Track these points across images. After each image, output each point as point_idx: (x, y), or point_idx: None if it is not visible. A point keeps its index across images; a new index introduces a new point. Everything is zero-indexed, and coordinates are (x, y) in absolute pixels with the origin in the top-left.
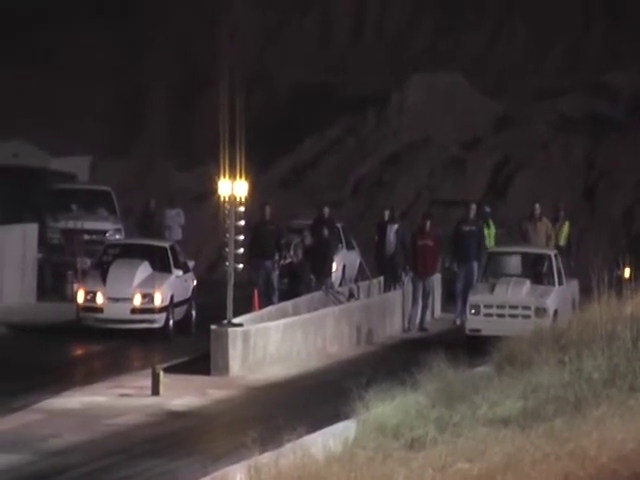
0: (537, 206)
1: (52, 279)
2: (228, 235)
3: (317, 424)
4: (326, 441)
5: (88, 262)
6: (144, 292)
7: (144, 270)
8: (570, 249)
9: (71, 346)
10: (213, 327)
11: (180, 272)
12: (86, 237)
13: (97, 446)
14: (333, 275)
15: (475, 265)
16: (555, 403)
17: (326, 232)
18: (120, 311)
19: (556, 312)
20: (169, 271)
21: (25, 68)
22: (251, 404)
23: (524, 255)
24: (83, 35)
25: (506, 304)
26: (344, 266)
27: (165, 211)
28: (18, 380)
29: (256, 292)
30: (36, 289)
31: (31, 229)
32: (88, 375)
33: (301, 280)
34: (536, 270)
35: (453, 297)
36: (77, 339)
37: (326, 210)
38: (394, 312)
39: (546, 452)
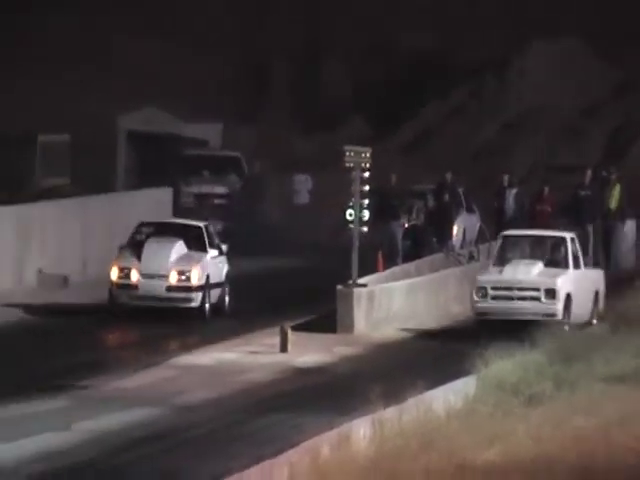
0: None
1: None
2: (353, 200)
3: (438, 381)
4: (447, 397)
5: (219, 225)
6: (180, 269)
7: (180, 248)
8: None
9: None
10: (339, 287)
11: (215, 252)
12: (217, 201)
13: (227, 401)
14: (454, 238)
15: (590, 228)
16: None
17: (447, 197)
18: (155, 288)
19: (569, 296)
20: (205, 250)
21: (155, 38)
22: (375, 361)
23: (539, 239)
24: (211, 5)
25: (514, 285)
26: (464, 229)
27: (294, 176)
28: (154, 336)
29: (380, 254)
30: None
31: (165, 193)
32: (219, 332)
33: (424, 243)
34: (551, 253)
35: None
36: None
37: (448, 175)
38: None
39: None
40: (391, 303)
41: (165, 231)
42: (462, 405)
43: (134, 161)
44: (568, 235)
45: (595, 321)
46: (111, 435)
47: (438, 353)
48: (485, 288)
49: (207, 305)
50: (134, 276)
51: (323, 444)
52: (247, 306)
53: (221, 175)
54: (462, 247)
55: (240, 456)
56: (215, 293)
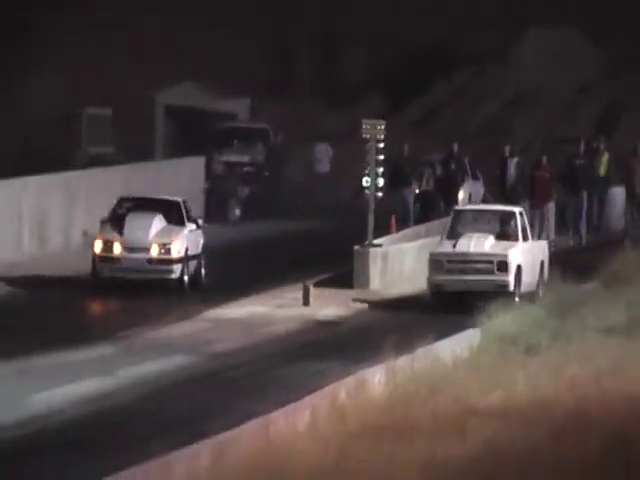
0: None
1: (217, 205)
2: (369, 168)
3: (446, 333)
4: (454, 347)
5: (246, 190)
6: (161, 242)
7: (159, 222)
8: None
9: (230, 263)
10: (356, 247)
11: (193, 226)
12: (245, 169)
13: (256, 349)
14: (460, 202)
15: (584, 194)
16: None
17: (453, 165)
18: (137, 261)
19: (519, 267)
20: (183, 224)
21: (184, 18)
22: (388, 315)
23: (489, 213)
24: None
25: (468, 258)
26: (470, 195)
27: (315, 146)
28: (190, 292)
29: (394, 218)
30: (204, 213)
31: (199, 162)
32: (250, 287)
33: (433, 207)
34: (501, 227)
35: (564, 222)
36: (235, 257)
37: (455, 146)
38: None
39: None
40: (403, 262)
41: (145, 206)
42: (467, 355)
43: (171, 133)
44: (517, 209)
45: (541, 291)
46: (151, 379)
47: (445, 308)
48: (440, 262)
49: (186, 277)
50: (117, 249)
51: (341, 389)
52: (270, 265)
53: (249, 145)
54: None
55: (266, 399)
56: (192, 265)
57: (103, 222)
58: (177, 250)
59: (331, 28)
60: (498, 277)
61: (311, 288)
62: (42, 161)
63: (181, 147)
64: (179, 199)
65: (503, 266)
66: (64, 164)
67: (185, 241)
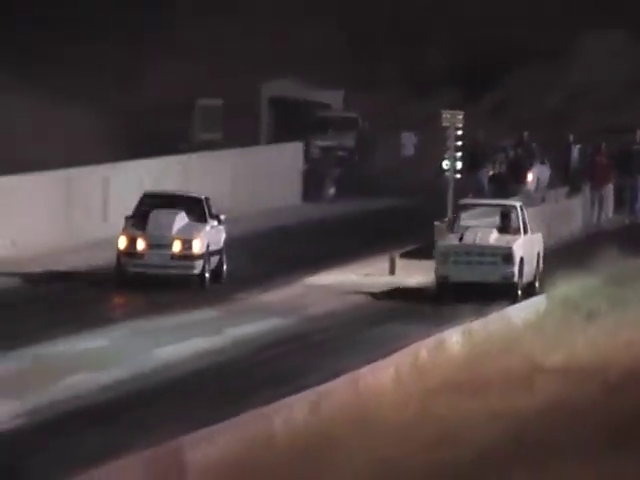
0: None
1: (314, 184)
2: (449, 153)
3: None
4: (523, 312)
5: (339, 171)
6: (183, 239)
7: (182, 219)
8: None
9: (325, 236)
10: (436, 223)
11: (215, 222)
12: (338, 153)
13: (345, 313)
14: (529, 183)
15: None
16: None
17: (520, 150)
18: (160, 257)
19: (522, 259)
20: (205, 221)
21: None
22: None
23: (492, 206)
24: None
25: (474, 251)
26: (538, 177)
27: (401, 133)
28: (283, 261)
29: (470, 196)
30: (301, 193)
31: (298, 147)
32: (341, 257)
33: (504, 187)
34: (503, 221)
35: (622, 203)
36: (329, 231)
37: (525, 134)
38: (576, 214)
39: None
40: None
41: (168, 202)
42: (535, 318)
43: (273, 121)
44: (518, 203)
45: (537, 283)
46: (252, 338)
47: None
48: (446, 254)
49: (207, 273)
50: (140, 245)
51: (423, 348)
52: (360, 237)
53: (341, 132)
54: (535, 191)
55: (354, 357)
56: (214, 260)
57: (127, 218)
58: (199, 246)
59: (415, 27)
60: (503, 269)
61: (397, 259)
62: (161, 145)
63: (282, 134)
64: (202, 196)
65: (508, 258)
66: (180, 148)
67: (207, 237)
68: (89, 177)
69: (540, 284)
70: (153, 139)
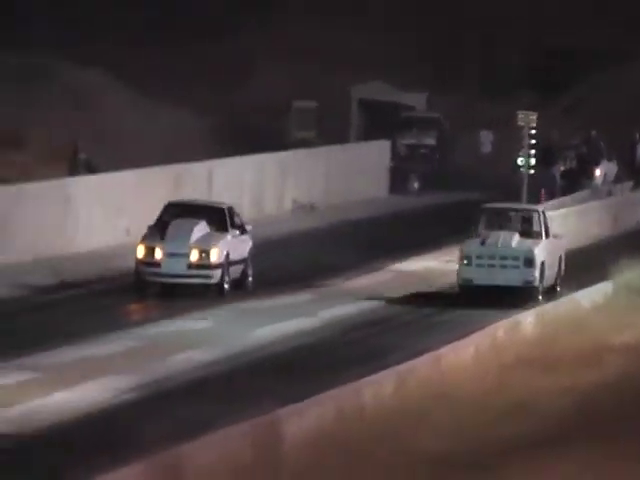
0: None
1: (400, 179)
2: (523, 150)
3: (586, 284)
4: (591, 295)
5: (423, 167)
6: (201, 248)
7: (201, 228)
8: None
9: (411, 226)
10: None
11: (237, 232)
12: (422, 150)
13: (428, 297)
14: (597, 178)
15: None
16: None
17: (589, 149)
18: (177, 266)
19: (543, 263)
20: (226, 230)
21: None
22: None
23: (514, 211)
24: None
25: (497, 255)
26: (605, 173)
27: (480, 131)
28: (371, 249)
29: (542, 191)
30: (388, 187)
31: (385, 145)
32: (426, 245)
33: (575, 181)
34: (525, 225)
35: None
36: (414, 222)
37: (593, 132)
38: None
39: None
40: (551, 225)
41: (190, 212)
42: (602, 301)
43: (362, 121)
44: (540, 208)
45: (559, 287)
46: (343, 320)
47: (584, 264)
48: (470, 257)
49: (226, 282)
50: (158, 254)
51: (500, 329)
52: (442, 227)
53: (425, 131)
54: (603, 185)
55: (435, 337)
56: (237, 269)
57: (149, 227)
58: (217, 255)
59: (492, 30)
60: (524, 272)
61: None
62: (261, 143)
63: (370, 133)
64: (224, 206)
65: (529, 262)
66: (278, 145)
67: (226, 247)
68: (195, 172)
69: (561, 287)
70: (253, 137)
